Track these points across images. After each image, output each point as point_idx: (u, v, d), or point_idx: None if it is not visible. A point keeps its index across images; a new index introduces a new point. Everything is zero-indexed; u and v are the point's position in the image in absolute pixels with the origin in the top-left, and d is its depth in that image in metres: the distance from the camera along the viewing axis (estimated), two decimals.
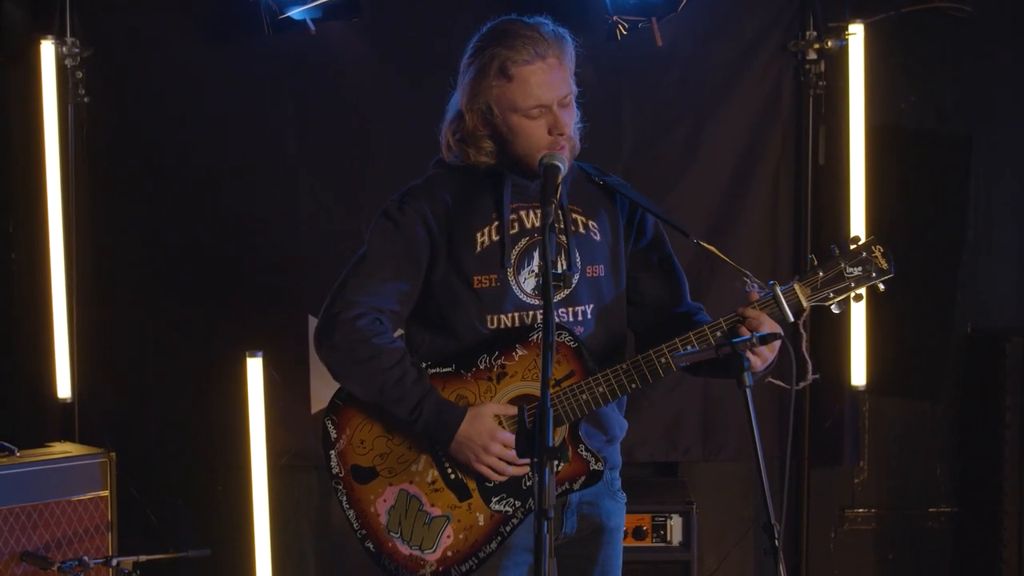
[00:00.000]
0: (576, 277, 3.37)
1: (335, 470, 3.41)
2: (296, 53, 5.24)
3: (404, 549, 3.36)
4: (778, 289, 3.24)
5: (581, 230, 3.41)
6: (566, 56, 3.32)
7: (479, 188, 3.39)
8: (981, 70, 5.43)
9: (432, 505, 3.35)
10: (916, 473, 5.59)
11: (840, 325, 5.16)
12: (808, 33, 5.27)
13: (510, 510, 3.32)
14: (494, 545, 3.33)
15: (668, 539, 5.03)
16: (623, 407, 3.53)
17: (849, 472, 5.57)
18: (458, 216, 3.37)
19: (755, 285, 3.28)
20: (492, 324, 3.34)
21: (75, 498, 4.63)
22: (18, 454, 4.57)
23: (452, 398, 3.33)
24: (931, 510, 5.60)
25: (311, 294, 5.15)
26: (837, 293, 3.24)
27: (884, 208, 5.25)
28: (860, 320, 5.21)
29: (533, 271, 3.37)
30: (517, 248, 3.36)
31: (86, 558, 4.40)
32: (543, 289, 3.06)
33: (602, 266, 3.41)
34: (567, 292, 3.36)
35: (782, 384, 3.19)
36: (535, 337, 3.30)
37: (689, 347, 3.24)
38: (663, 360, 3.26)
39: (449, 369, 3.35)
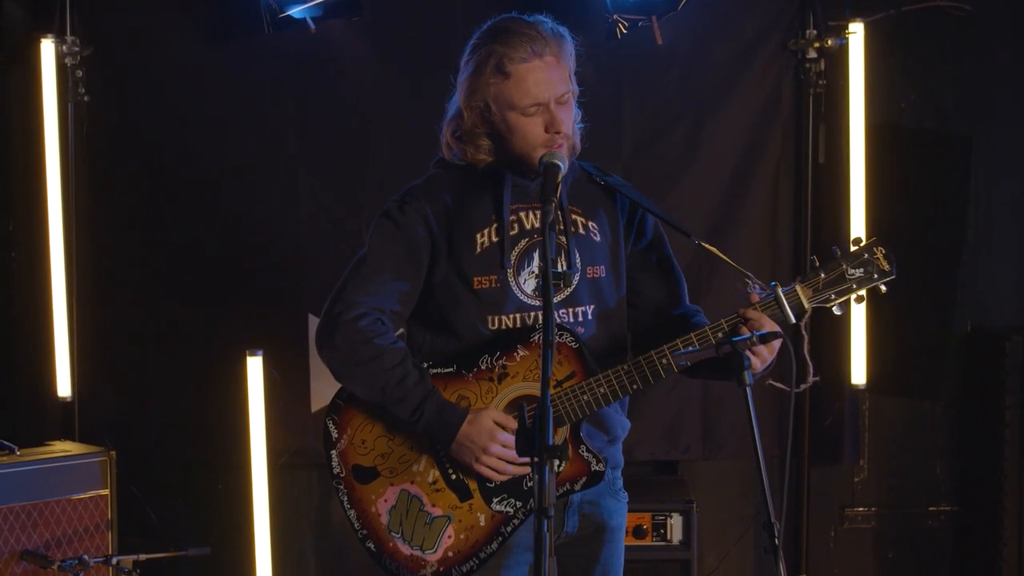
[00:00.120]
0: (576, 277, 3.37)
1: (336, 470, 3.41)
2: (296, 52, 5.24)
3: (405, 549, 3.36)
4: (780, 290, 3.24)
5: (581, 231, 3.41)
6: (565, 55, 3.32)
7: (479, 188, 3.39)
8: (981, 69, 5.43)
9: (433, 505, 3.35)
10: (916, 472, 5.59)
11: (840, 324, 5.16)
12: (808, 32, 5.27)
13: (511, 510, 3.32)
14: (495, 545, 3.33)
15: (668, 538, 5.03)
16: (625, 407, 3.53)
17: (849, 471, 5.57)
18: (458, 216, 3.37)
19: (756, 286, 3.28)
20: (493, 325, 3.34)
21: (75, 497, 4.62)
22: (18, 453, 4.57)
23: (453, 398, 3.33)
24: (931, 509, 5.60)
25: (311, 293, 5.16)
26: (839, 295, 3.24)
27: (884, 207, 5.24)
28: (860, 319, 5.21)
29: (533, 272, 3.37)
30: (517, 249, 3.36)
31: (86, 557, 4.39)
32: (543, 287, 3.06)
33: (603, 267, 3.41)
34: (568, 293, 3.36)
35: (782, 387, 3.18)
36: (536, 338, 3.30)
37: (690, 348, 3.24)
38: (664, 361, 3.26)
39: (450, 369, 3.35)
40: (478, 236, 3.35)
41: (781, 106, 5.36)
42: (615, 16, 5.02)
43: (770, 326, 3.19)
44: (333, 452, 3.41)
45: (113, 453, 4.72)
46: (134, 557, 4.45)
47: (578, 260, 3.38)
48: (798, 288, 3.25)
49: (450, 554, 3.35)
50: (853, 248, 3.27)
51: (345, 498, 3.40)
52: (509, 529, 3.33)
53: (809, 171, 5.33)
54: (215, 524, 5.34)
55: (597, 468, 3.32)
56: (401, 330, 3.45)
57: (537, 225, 3.36)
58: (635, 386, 3.28)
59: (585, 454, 3.31)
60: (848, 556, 5.63)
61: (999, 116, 5.49)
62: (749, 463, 5.32)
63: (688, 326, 3.36)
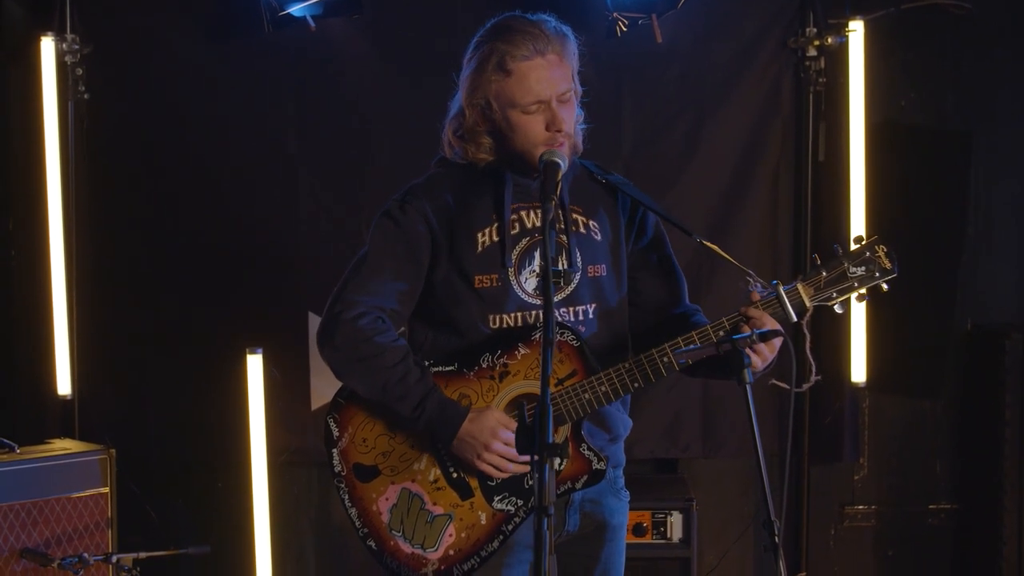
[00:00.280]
0: (577, 276, 3.37)
1: (337, 468, 3.41)
2: (296, 50, 5.24)
3: (406, 548, 3.36)
4: (781, 289, 3.24)
5: (582, 230, 3.41)
6: (567, 53, 3.32)
7: (480, 187, 3.39)
8: (981, 68, 5.43)
9: (434, 504, 3.35)
10: (916, 470, 5.59)
11: (840, 322, 5.17)
12: (808, 30, 5.27)
13: (512, 509, 3.32)
14: (496, 544, 3.33)
15: (668, 536, 5.03)
16: (627, 406, 3.53)
17: (849, 469, 5.57)
18: (459, 216, 3.37)
19: (758, 285, 3.28)
20: (494, 324, 3.34)
21: (75, 495, 4.62)
22: (18, 451, 4.57)
23: (455, 397, 3.33)
24: (931, 507, 5.60)
25: (311, 292, 5.17)
26: (840, 293, 3.24)
27: (884, 205, 5.25)
28: (860, 317, 5.22)
29: (534, 271, 3.36)
30: (518, 248, 3.36)
31: (86, 555, 4.40)
32: (543, 286, 3.06)
33: (604, 266, 3.41)
34: (569, 291, 3.36)
35: (784, 385, 3.18)
36: (538, 336, 3.30)
37: (691, 346, 3.24)
38: (666, 359, 3.26)
39: (452, 368, 3.35)
40: (479, 235, 3.35)
41: (781, 104, 5.36)
42: (615, 14, 5.02)
43: (771, 324, 3.19)
44: (334, 450, 3.41)
45: (113, 451, 4.72)
46: (134, 555, 4.45)
47: (579, 259, 3.38)
48: (800, 286, 3.25)
49: (451, 552, 3.35)
50: (854, 246, 3.27)
51: (346, 496, 3.40)
52: (510, 527, 3.33)
53: (809, 169, 5.33)
54: (215, 522, 5.34)
55: (598, 466, 3.31)
56: (402, 329, 3.45)
57: (538, 224, 3.36)
58: (636, 384, 3.28)
59: (586, 452, 3.31)
60: (848, 554, 5.63)
61: (999, 114, 5.49)
62: (749, 461, 5.32)
63: (688, 325, 3.36)
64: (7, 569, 4.44)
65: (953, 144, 5.43)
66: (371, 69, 5.29)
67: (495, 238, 3.35)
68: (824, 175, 5.33)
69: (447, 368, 3.35)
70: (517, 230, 3.36)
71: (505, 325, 3.34)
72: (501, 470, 3.29)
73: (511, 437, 3.24)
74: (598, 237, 3.42)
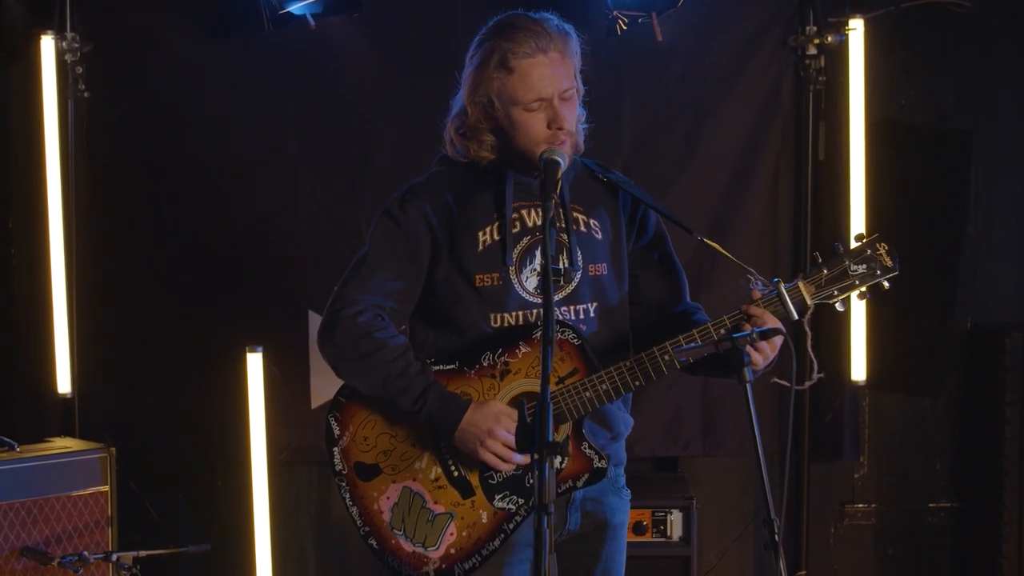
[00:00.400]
0: (578, 275, 3.37)
1: (338, 467, 3.40)
2: (296, 49, 5.24)
3: (407, 546, 3.36)
4: (782, 287, 3.23)
5: (582, 228, 3.41)
6: (570, 52, 3.32)
7: (481, 186, 3.39)
8: (981, 67, 5.43)
9: (435, 502, 3.35)
10: (916, 468, 5.60)
11: (840, 320, 5.18)
12: (808, 28, 5.27)
13: (513, 507, 3.32)
14: (497, 542, 3.32)
15: (668, 534, 5.04)
16: (628, 404, 3.53)
17: (849, 467, 5.57)
18: (460, 214, 3.37)
19: (759, 283, 3.28)
20: (496, 322, 3.34)
21: (75, 493, 4.62)
22: (18, 449, 4.57)
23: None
24: (931, 505, 5.61)
25: (311, 291, 5.17)
26: (841, 291, 3.24)
27: (884, 204, 5.25)
28: (860, 315, 5.23)
29: (535, 269, 3.36)
30: (519, 247, 3.35)
31: (86, 553, 4.39)
32: (543, 284, 3.06)
33: (604, 264, 3.41)
34: (569, 290, 3.36)
35: (785, 383, 3.18)
36: (539, 334, 3.29)
37: (692, 344, 3.24)
38: (667, 357, 3.26)
39: (453, 366, 3.35)
40: (480, 234, 3.35)
41: (781, 103, 5.37)
42: (615, 12, 5.02)
43: (772, 322, 3.19)
44: (335, 449, 3.41)
45: (113, 449, 4.72)
46: (134, 554, 4.44)
47: (579, 258, 3.38)
48: (801, 284, 3.25)
49: (452, 551, 3.34)
50: (855, 244, 3.27)
51: (347, 495, 3.40)
52: (511, 526, 3.33)
53: (809, 168, 5.34)
54: (215, 521, 5.34)
55: (599, 465, 3.31)
56: (403, 327, 3.45)
57: (539, 223, 3.35)
58: (637, 382, 3.28)
59: (587, 451, 3.31)
60: (848, 553, 5.64)
61: (999, 113, 5.49)
62: (749, 459, 5.32)
63: (689, 323, 3.36)
64: (7, 567, 4.44)
65: (953, 143, 5.43)
66: (371, 69, 5.29)
67: (496, 237, 3.35)
68: (824, 174, 5.34)
69: (448, 367, 3.35)
70: (518, 229, 3.36)
71: (506, 324, 3.34)
72: (504, 459, 3.27)
73: (513, 426, 3.23)
74: (599, 236, 3.42)
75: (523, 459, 3.27)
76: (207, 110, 5.32)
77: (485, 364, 3.33)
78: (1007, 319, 5.47)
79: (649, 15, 5.05)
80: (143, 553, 4.47)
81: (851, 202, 5.22)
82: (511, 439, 3.23)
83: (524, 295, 3.34)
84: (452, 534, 3.34)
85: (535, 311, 3.34)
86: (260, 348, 5.06)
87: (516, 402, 3.32)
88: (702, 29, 5.30)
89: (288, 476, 5.44)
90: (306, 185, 5.34)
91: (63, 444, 4.77)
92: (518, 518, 3.32)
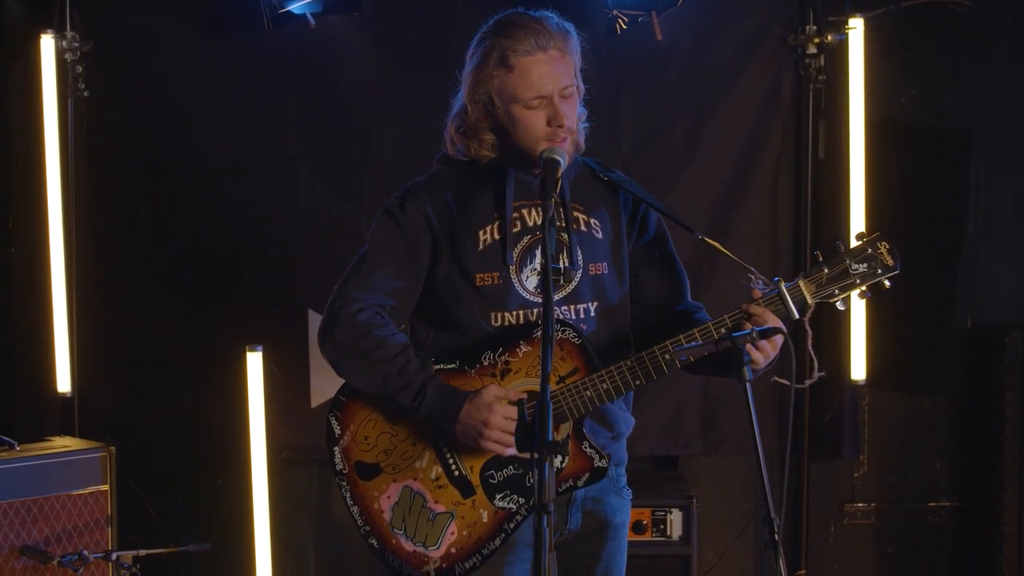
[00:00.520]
0: (578, 275, 3.37)
1: (339, 467, 3.40)
2: (296, 48, 5.24)
3: (408, 546, 3.36)
4: (783, 286, 3.23)
5: (583, 228, 3.41)
6: (570, 50, 3.32)
7: (482, 185, 3.39)
8: (981, 66, 5.43)
9: (436, 502, 3.35)
10: (916, 468, 5.60)
11: (840, 319, 5.18)
12: (808, 27, 5.27)
13: (514, 507, 3.32)
14: (498, 542, 3.32)
15: (668, 533, 5.04)
16: (630, 404, 3.53)
17: (849, 466, 5.57)
18: (461, 213, 3.37)
19: (759, 282, 3.28)
20: (496, 322, 3.34)
21: (75, 492, 4.63)
22: (18, 448, 4.57)
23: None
24: (931, 505, 5.60)
25: (311, 291, 5.18)
26: (842, 290, 3.24)
27: (884, 203, 5.25)
28: (860, 314, 5.23)
29: (535, 269, 3.36)
30: (519, 246, 3.35)
31: (86, 552, 4.39)
32: (543, 283, 3.07)
33: (605, 264, 3.41)
34: (570, 289, 3.36)
35: (785, 382, 3.17)
36: (539, 334, 3.29)
37: (692, 343, 3.24)
38: (667, 356, 3.26)
39: (453, 365, 3.35)
40: (480, 233, 3.35)
41: (781, 102, 5.37)
42: (615, 12, 5.03)
43: (773, 321, 3.18)
44: (336, 448, 3.41)
45: (113, 449, 4.72)
46: (134, 553, 4.45)
47: (580, 257, 3.38)
48: (801, 283, 3.25)
49: (453, 550, 3.34)
50: (856, 243, 3.27)
51: (348, 495, 3.40)
52: (512, 525, 3.32)
53: (809, 167, 5.34)
54: (215, 520, 5.34)
55: (600, 464, 3.31)
56: (403, 327, 3.45)
57: (539, 222, 3.35)
58: (638, 382, 3.28)
59: (588, 450, 3.31)
60: (848, 552, 5.64)
61: (999, 112, 5.49)
62: (749, 459, 5.33)
63: (690, 322, 3.36)
64: (7, 566, 4.44)
65: (953, 142, 5.43)
66: (371, 68, 5.29)
67: (496, 236, 3.35)
68: (824, 173, 5.34)
69: (449, 366, 3.35)
70: (519, 228, 3.36)
71: (507, 323, 3.34)
72: (506, 445, 3.24)
73: (511, 410, 3.21)
74: (599, 235, 3.42)
75: None
76: (207, 110, 5.32)
77: (486, 363, 3.33)
78: (1007, 318, 5.47)
79: (649, 14, 5.05)
80: (143, 552, 4.47)
81: (851, 201, 5.22)
82: (508, 424, 3.21)
83: (524, 294, 3.34)
84: (453, 533, 3.34)
85: (535, 310, 3.34)
86: (260, 347, 5.06)
87: (516, 401, 3.31)
88: (702, 28, 5.30)
89: (288, 475, 5.44)
90: (306, 185, 5.34)
91: (63, 443, 4.77)
92: (519, 517, 3.32)
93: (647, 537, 5.03)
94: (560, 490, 3.30)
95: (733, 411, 5.35)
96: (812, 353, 3.41)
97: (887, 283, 3.26)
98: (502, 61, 3.27)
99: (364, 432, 3.38)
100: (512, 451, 3.26)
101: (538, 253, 3.35)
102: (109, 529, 4.69)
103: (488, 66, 3.29)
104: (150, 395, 5.44)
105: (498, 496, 3.33)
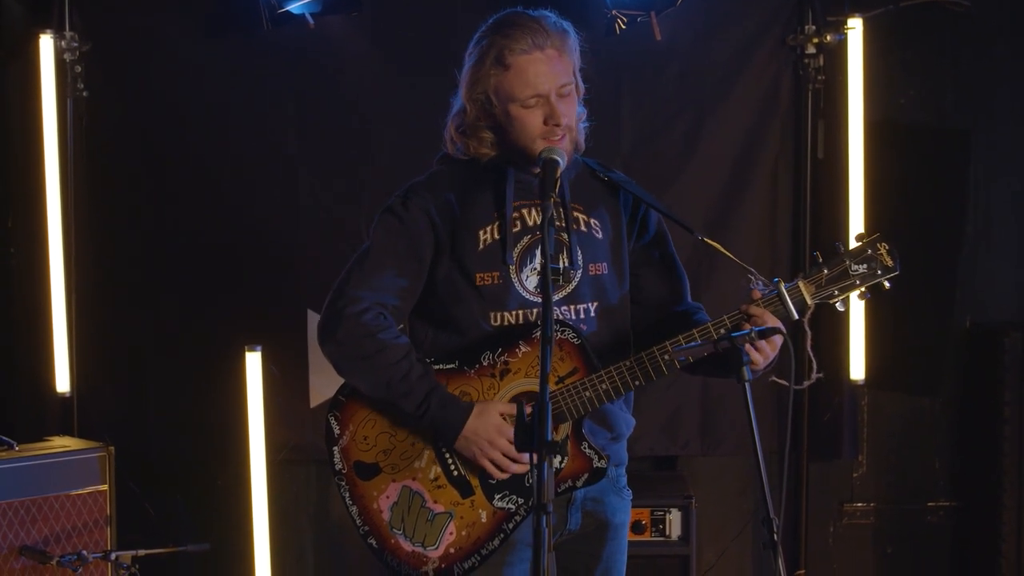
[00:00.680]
0: (578, 275, 3.37)
1: (338, 466, 3.40)
2: (296, 48, 5.24)
3: (407, 546, 3.36)
4: (783, 286, 3.23)
5: (583, 228, 3.41)
6: (567, 49, 3.32)
7: (482, 184, 3.39)
8: (980, 66, 5.43)
9: (435, 502, 3.35)
10: (915, 467, 5.60)
11: (839, 319, 5.17)
12: (807, 27, 5.27)
13: (513, 507, 3.32)
14: (497, 542, 3.32)
15: (667, 533, 5.04)
16: (630, 405, 3.53)
17: (848, 466, 5.58)
18: (461, 213, 3.37)
19: (759, 282, 3.28)
20: (496, 321, 3.34)
21: (74, 492, 4.62)
22: (17, 448, 4.57)
23: (455, 394, 3.32)
24: (930, 504, 5.61)
25: (310, 291, 5.17)
26: (842, 291, 3.23)
27: (883, 203, 5.25)
28: (859, 314, 5.22)
29: (535, 269, 3.36)
30: (519, 246, 3.35)
31: (85, 552, 4.38)
32: (542, 283, 3.07)
33: (605, 264, 3.41)
34: (570, 289, 3.36)
35: (784, 383, 3.18)
36: (539, 334, 3.29)
37: (692, 343, 3.24)
38: (667, 356, 3.26)
39: (452, 365, 3.35)
40: (480, 233, 3.35)
41: (780, 102, 5.37)
42: (614, 11, 5.03)
43: (772, 322, 3.18)
44: (335, 448, 3.40)
45: (112, 449, 4.71)
46: (133, 553, 4.45)
47: (580, 257, 3.38)
48: (801, 284, 3.24)
49: (452, 551, 3.34)
50: (856, 244, 3.27)
51: (347, 495, 3.40)
52: (511, 526, 3.33)
53: (808, 167, 5.34)
54: (214, 520, 5.34)
55: (599, 465, 3.31)
56: (401, 326, 3.45)
57: (539, 222, 3.35)
58: (637, 382, 3.28)
59: (587, 451, 3.31)
60: (847, 552, 5.64)
61: (998, 112, 5.49)
62: (748, 459, 5.31)
63: (690, 323, 3.36)
64: (6, 566, 4.44)
65: (952, 142, 5.43)
66: (371, 68, 5.29)
67: (496, 236, 3.35)
68: (823, 173, 5.34)
69: (448, 366, 3.35)
70: (518, 228, 3.36)
71: (506, 323, 3.34)
72: (503, 468, 3.28)
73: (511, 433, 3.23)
74: (599, 235, 3.42)
75: (520, 468, 3.29)
76: (207, 110, 5.32)
77: (485, 363, 3.33)
78: (1006, 318, 5.47)
79: (648, 14, 5.06)
80: (142, 552, 4.47)
81: (850, 201, 5.22)
82: (511, 449, 3.25)
83: (524, 294, 3.34)
84: (451, 533, 3.34)
85: (535, 310, 3.34)
86: (259, 347, 5.06)
87: (515, 402, 3.31)
88: (701, 28, 5.30)
89: (287, 475, 5.44)
90: (306, 185, 5.34)
91: (62, 443, 4.77)
92: (517, 518, 3.32)
93: (646, 537, 5.03)
94: (559, 490, 3.30)
95: (732, 411, 5.35)
96: (811, 354, 3.41)
97: (887, 284, 3.26)
98: (499, 60, 3.28)
99: (363, 432, 3.38)
100: (503, 476, 3.28)
101: (538, 253, 3.35)
102: (108, 529, 4.69)
103: (485, 65, 3.30)
104: (149, 395, 5.44)
105: (497, 496, 3.33)
